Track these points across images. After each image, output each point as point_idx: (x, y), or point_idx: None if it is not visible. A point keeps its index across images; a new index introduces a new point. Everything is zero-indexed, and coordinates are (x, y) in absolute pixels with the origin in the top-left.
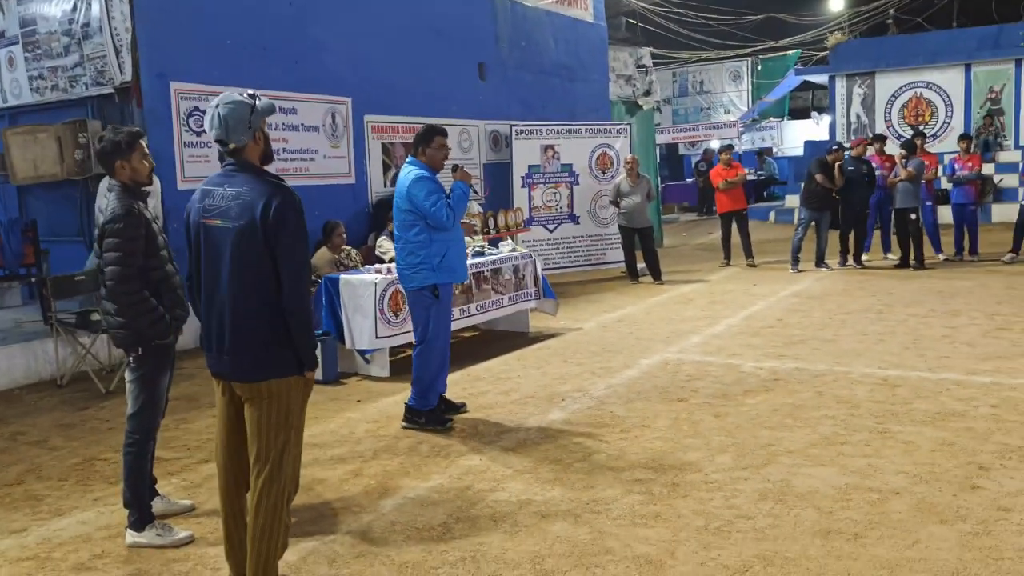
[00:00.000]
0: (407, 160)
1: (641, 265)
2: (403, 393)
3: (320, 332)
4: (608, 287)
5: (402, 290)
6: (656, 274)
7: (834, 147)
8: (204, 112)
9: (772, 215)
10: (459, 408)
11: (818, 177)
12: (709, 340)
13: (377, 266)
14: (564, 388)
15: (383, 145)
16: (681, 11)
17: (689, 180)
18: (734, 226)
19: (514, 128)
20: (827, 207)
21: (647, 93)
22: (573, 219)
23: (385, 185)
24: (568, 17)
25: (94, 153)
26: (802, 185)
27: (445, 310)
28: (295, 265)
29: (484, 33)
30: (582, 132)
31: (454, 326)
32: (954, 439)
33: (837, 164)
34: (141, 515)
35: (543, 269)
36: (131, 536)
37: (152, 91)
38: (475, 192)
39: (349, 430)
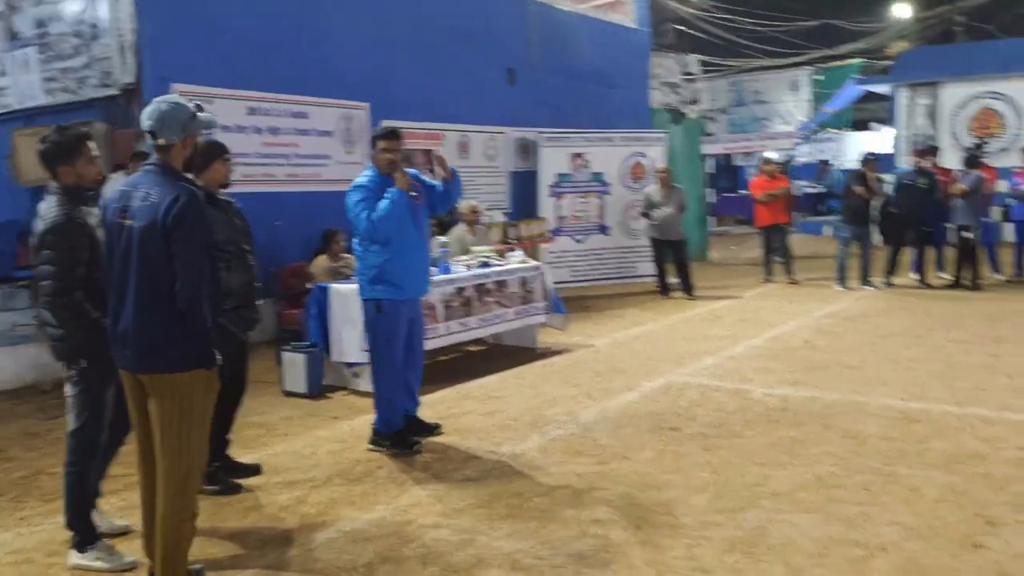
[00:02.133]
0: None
1: (674, 280)
2: None
3: (306, 344)
4: (635, 302)
5: None
6: (688, 289)
7: (869, 157)
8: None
9: (826, 229)
10: (432, 429)
11: (857, 189)
12: (724, 362)
13: None
14: (552, 411)
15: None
16: (730, 17)
17: (743, 192)
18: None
19: (542, 135)
20: (869, 222)
21: (693, 102)
22: (603, 230)
23: None
24: (606, 22)
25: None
26: (843, 201)
27: (388, 327)
28: (189, 265)
29: (514, 37)
30: (615, 140)
31: (453, 339)
32: (966, 486)
33: (870, 175)
34: (84, 535)
35: (569, 281)
36: (74, 557)
37: (154, 93)
38: (415, 196)
39: (312, 450)
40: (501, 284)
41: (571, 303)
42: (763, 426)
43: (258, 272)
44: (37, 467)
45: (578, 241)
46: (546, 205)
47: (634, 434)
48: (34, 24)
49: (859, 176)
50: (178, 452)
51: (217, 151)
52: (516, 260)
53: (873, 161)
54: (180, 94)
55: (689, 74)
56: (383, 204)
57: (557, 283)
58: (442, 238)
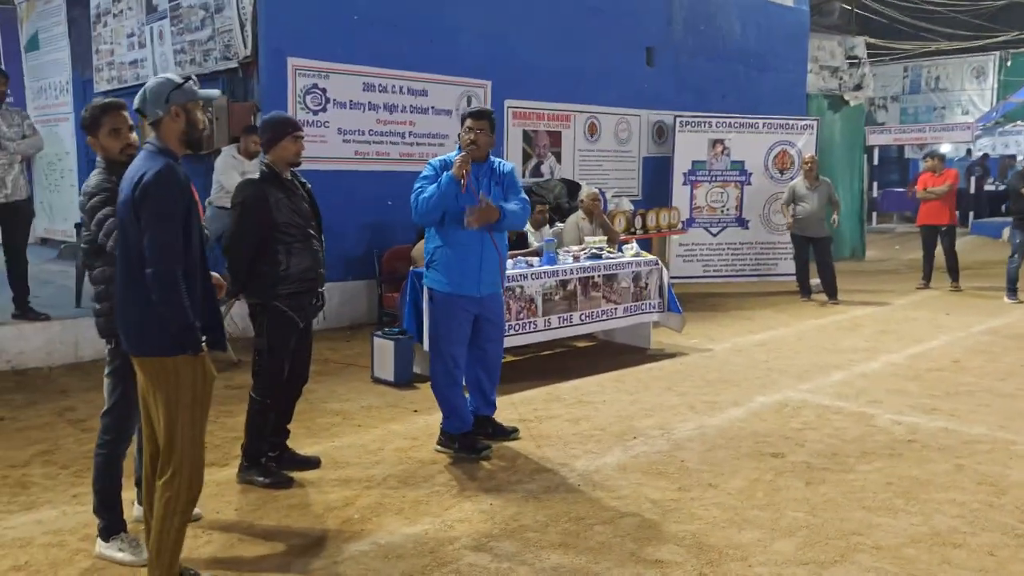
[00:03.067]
0: None
1: (816, 280)
2: None
3: (397, 330)
4: (770, 303)
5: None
6: (831, 292)
7: None
8: (323, 90)
9: (1006, 232)
10: (509, 434)
11: None
12: (853, 379)
13: None
14: (644, 423)
15: (524, 132)
16: None
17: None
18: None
19: (678, 119)
20: None
21: (857, 87)
22: (741, 223)
23: (524, 175)
24: (760, 0)
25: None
26: (1010, 204)
27: (442, 320)
28: (152, 240)
29: (654, 14)
30: (759, 127)
31: (553, 335)
32: None
33: None
34: (109, 523)
35: (700, 277)
36: (99, 546)
37: (270, 66)
38: (464, 187)
39: (380, 445)
40: (611, 278)
41: (698, 300)
42: (882, 460)
43: (324, 257)
44: None
45: (713, 234)
46: (679, 194)
47: (729, 457)
48: None
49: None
50: (168, 442)
51: (286, 127)
52: (630, 253)
53: None
54: (295, 68)
55: (854, 58)
56: (430, 188)
57: (687, 278)
58: (557, 225)
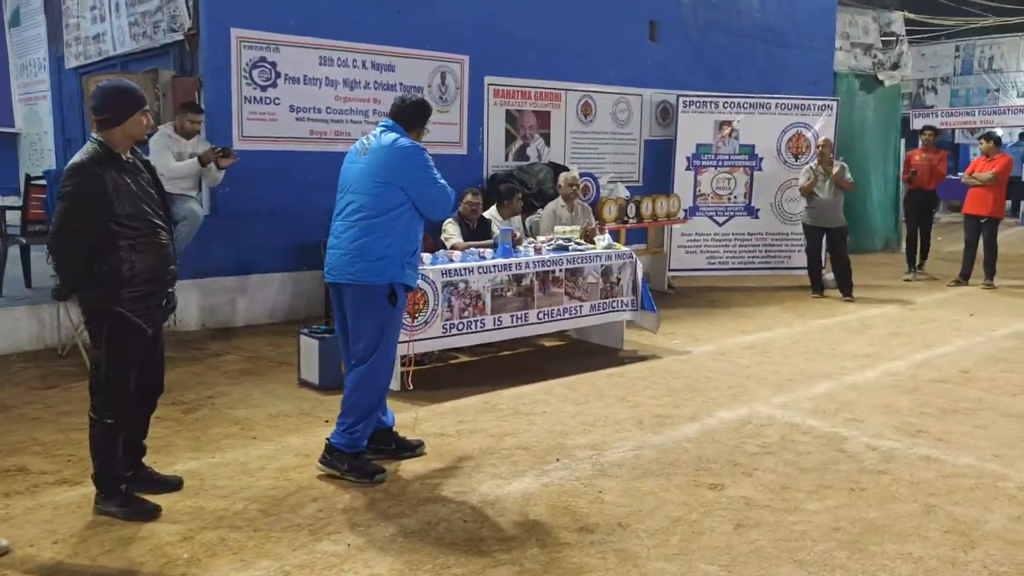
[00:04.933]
0: (385, 124)
1: (831, 275)
2: (402, 414)
3: (324, 328)
4: (777, 299)
5: (422, 287)
6: (846, 288)
7: None
8: (272, 64)
9: None
10: (414, 448)
11: None
12: (838, 392)
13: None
14: (577, 442)
15: (508, 112)
16: None
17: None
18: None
19: (681, 98)
20: None
21: (895, 66)
22: (751, 211)
23: (507, 159)
24: None
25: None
26: None
27: (399, 318)
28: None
29: None
30: (771, 107)
31: (502, 336)
32: None
33: None
34: None
35: (704, 269)
36: None
37: (213, 39)
38: None
39: (262, 464)
40: (575, 273)
41: (698, 295)
42: (839, 496)
43: (173, 252)
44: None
45: (719, 223)
46: (682, 180)
47: (657, 489)
48: None
49: None
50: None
51: (139, 100)
52: (601, 245)
53: None
54: (239, 40)
55: (890, 34)
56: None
57: (690, 270)
58: (538, 213)
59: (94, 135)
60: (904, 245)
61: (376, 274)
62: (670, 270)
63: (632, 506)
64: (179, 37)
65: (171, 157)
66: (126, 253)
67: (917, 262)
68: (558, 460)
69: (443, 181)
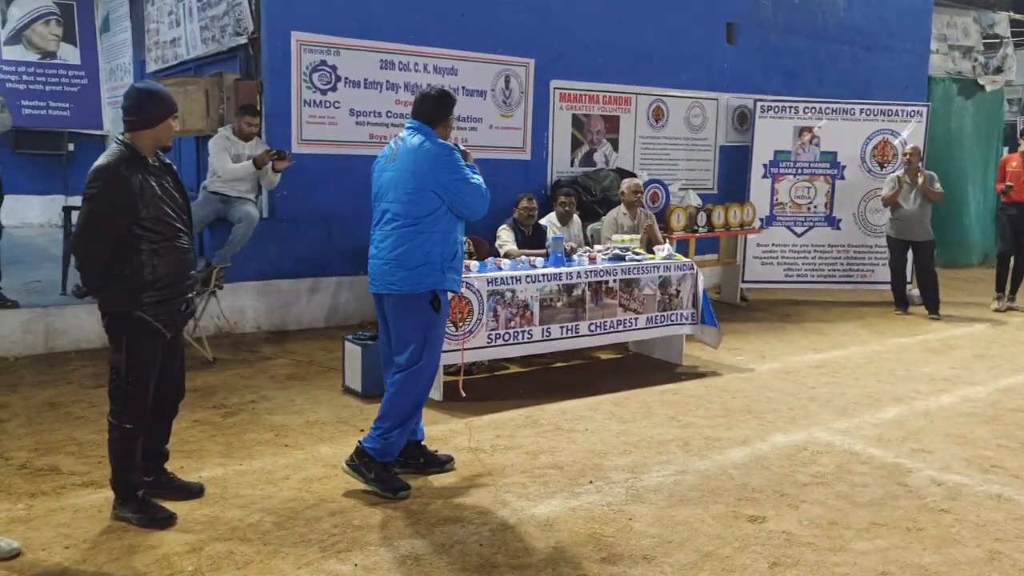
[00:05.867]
0: (411, 125)
1: (917, 291)
2: (439, 426)
3: (369, 334)
4: (856, 315)
5: (466, 295)
6: (932, 305)
7: None
8: (332, 68)
9: None
10: (443, 464)
11: None
12: (908, 418)
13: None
14: (615, 463)
15: (574, 117)
16: None
17: None
18: None
19: (759, 103)
20: None
21: (998, 70)
22: (831, 222)
23: (573, 164)
24: None
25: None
26: None
27: (443, 325)
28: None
29: None
30: (855, 113)
31: (551, 347)
32: None
33: None
34: None
35: (782, 281)
36: None
37: (274, 42)
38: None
39: (288, 474)
40: (630, 284)
41: (772, 308)
42: (892, 536)
43: (194, 257)
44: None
45: (797, 234)
46: (758, 187)
47: (692, 518)
48: None
49: None
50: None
51: (171, 107)
52: (661, 255)
53: None
54: (300, 43)
55: (993, 36)
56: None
57: (766, 283)
58: (595, 224)
59: (120, 136)
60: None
61: (417, 282)
62: (744, 282)
63: (662, 536)
64: (243, 41)
65: (228, 159)
66: (148, 257)
67: (1008, 289)
68: (591, 482)
69: (477, 179)
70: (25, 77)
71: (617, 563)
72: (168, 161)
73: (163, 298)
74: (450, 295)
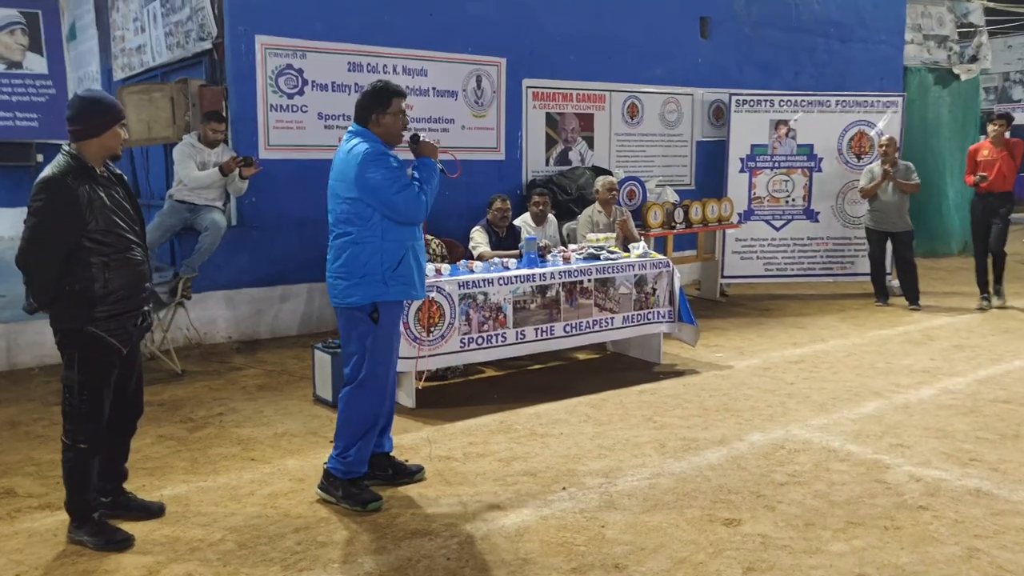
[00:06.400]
0: (349, 130)
1: (896, 283)
2: (411, 434)
3: (336, 343)
4: (836, 308)
5: (437, 300)
6: (912, 296)
7: None
8: (298, 71)
9: None
10: (412, 474)
11: None
12: (887, 412)
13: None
14: (590, 467)
15: (548, 116)
16: None
17: None
18: None
19: (734, 97)
20: None
21: (973, 59)
22: (810, 215)
23: (548, 163)
24: None
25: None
26: None
27: (388, 340)
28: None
29: None
30: (831, 105)
31: (530, 349)
32: None
33: None
34: None
35: (761, 276)
36: None
37: (237, 47)
38: (442, 170)
39: (252, 489)
40: (605, 283)
41: (752, 303)
42: (869, 535)
43: (150, 269)
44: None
45: (776, 228)
46: (736, 182)
47: (666, 523)
48: None
49: None
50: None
51: (117, 114)
52: (636, 253)
53: None
54: (264, 47)
55: (968, 25)
56: (427, 175)
57: (745, 277)
58: (571, 223)
59: (66, 147)
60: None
61: (356, 294)
62: (723, 277)
63: (635, 543)
64: (208, 46)
65: (194, 167)
66: (98, 270)
67: (992, 284)
68: (564, 488)
69: (408, 182)
70: None
71: (587, 573)
72: (119, 172)
73: (116, 312)
74: (416, 304)
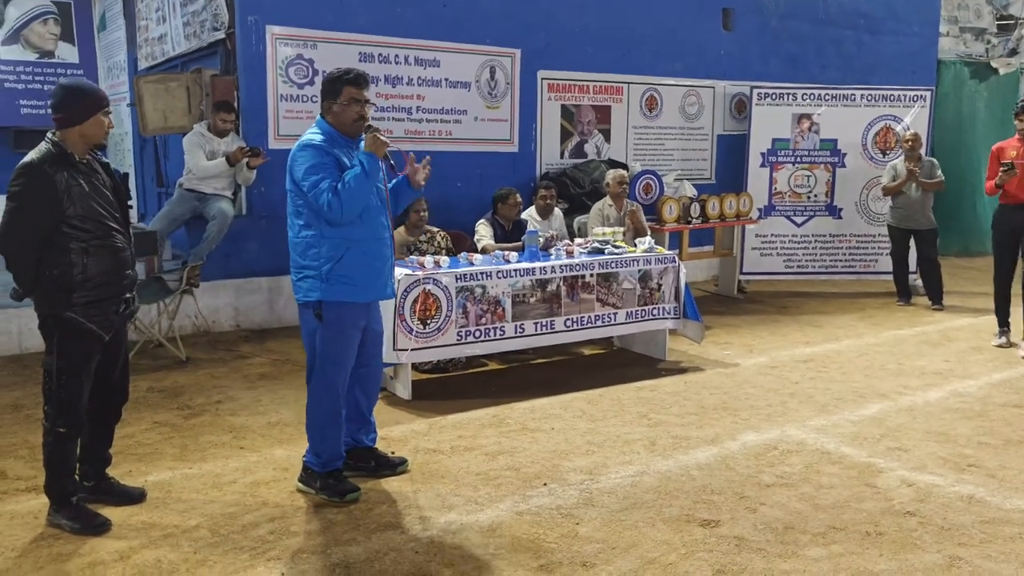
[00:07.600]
0: (316, 120)
1: (920, 282)
2: (402, 426)
3: None
4: (856, 306)
5: (433, 292)
6: (935, 295)
7: None
8: (309, 61)
9: None
10: (395, 467)
11: None
12: (890, 415)
13: (417, 258)
14: (575, 464)
15: (564, 107)
16: None
17: None
18: None
19: (756, 90)
20: None
21: (1013, 52)
22: (833, 211)
23: (563, 156)
24: None
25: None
26: None
27: (335, 341)
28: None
29: None
30: (855, 99)
31: (529, 343)
32: None
33: None
34: None
35: (782, 272)
36: None
37: (248, 37)
38: (392, 166)
39: (235, 477)
40: (608, 278)
41: (769, 300)
42: (850, 542)
43: (132, 256)
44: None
45: (797, 224)
46: (756, 177)
47: (642, 522)
48: None
49: None
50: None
51: (100, 102)
52: (642, 248)
53: None
54: (275, 37)
55: (1008, 17)
56: (353, 173)
57: (765, 274)
58: (582, 217)
59: (50, 135)
60: None
61: (302, 290)
62: (742, 273)
63: (607, 542)
64: (220, 36)
65: (202, 155)
66: (77, 256)
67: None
68: (545, 485)
69: (320, 180)
70: (23, 77)
71: (554, 571)
72: (105, 160)
73: (96, 298)
74: (412, 295)
